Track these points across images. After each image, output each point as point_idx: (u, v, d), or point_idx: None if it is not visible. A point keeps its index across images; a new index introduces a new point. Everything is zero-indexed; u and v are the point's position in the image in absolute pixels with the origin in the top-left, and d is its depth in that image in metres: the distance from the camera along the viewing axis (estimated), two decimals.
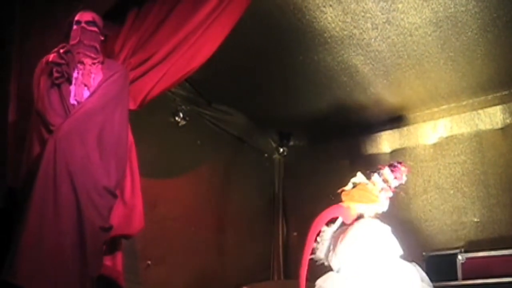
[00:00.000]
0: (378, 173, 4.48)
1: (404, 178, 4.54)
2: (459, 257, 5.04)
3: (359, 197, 4.37)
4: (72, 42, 3.54)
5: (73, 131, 3.23)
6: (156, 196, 4.92)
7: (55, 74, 3.45)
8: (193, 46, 3.61)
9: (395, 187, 4.48)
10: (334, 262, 4.15)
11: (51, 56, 3.51)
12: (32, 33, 4.07)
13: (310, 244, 4.30)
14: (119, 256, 3.48)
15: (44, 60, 3.53)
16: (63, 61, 3.50)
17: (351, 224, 4.30)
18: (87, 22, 3.61)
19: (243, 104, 6.17)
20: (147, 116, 4.43)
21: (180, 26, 3.61)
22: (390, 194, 4.45)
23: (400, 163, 4.60)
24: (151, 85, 3.60)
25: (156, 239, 4.92)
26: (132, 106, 3.63)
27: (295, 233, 6.67)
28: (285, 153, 6.98)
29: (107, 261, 3.40)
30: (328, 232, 4.37)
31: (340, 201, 4.43)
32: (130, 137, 3.57)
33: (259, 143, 6.83)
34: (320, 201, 6.10)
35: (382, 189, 4.43)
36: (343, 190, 4.45)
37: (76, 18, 3.61)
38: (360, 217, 4.35)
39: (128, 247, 3.90)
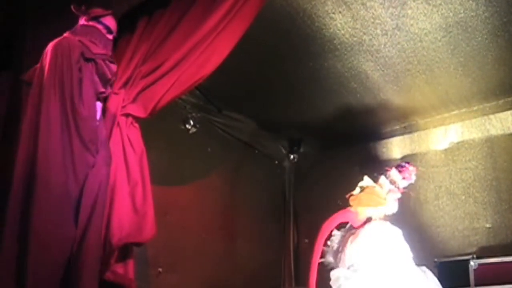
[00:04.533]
0: (385, 175, 4.48)
1: (413, 178, 4.53)
2: (471, 263, 5.01)
3: (366, 201, 4.38)
4: (106, 51, 3.49)
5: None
6: (167, 203, 4.92)
7: (102, 89, 3.43)
8: (204, 53, 3.62)
9: (404, 187, 4.48)
10: (343, 263, 4.16)
11: (99, 59, 3.40)
12: (44, 42, 4.09)
13: (318, 248, 4.31)
14: (130, 263, 3.48)
15: (79, 49, 3.33)
16: (112, 77, 3.49)
17: (361, 226, 4.31)
18: (114, 38, 3.60)
19: (253, 111, 6.18)
20: (157, 124, 4.44)
21: (190, 33, 3.62)
22: (398, 195, 4.45)
23: (407, 163, 4.61)
24: (161, 93, 3.60)
25: (167, 246, 4.93)
26: (143, 114, 3.64)
27: (306, 240, 6.65)
28: (295, 160, 6.97)
29: (119, 268, 3.39)
30: (338, 235, 4.38)
31: (348, 205, 4.44)
32: (141, 145, 3.58)
33: (270, 150, 6.83)
34: (330, 207, 6.12)
35: (389, 190, 4.43)
36: (351, 195, 4.46)
37: (108, 22, 3.54)
38: (369, 220, 4.35)
39: (139, 254, 3.90)
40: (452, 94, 5.64)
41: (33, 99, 3.25)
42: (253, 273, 6.07)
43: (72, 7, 3.50)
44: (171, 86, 3.63)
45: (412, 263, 4.11)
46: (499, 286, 4.78)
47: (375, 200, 4.38)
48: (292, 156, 6.97)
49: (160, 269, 4.95)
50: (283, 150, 6.97)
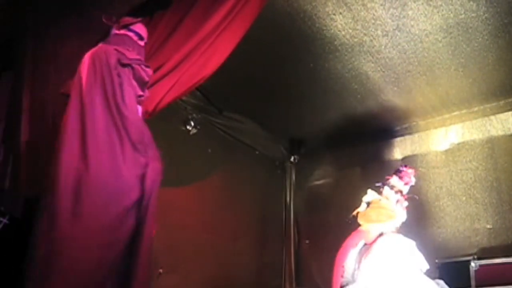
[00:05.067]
0: (388, 186, 4.44)
1: (413, 180, 4.51)
2: (472, 264, 5.00)
3: (377, 217, 4.33)
4: (140, 57, 3.49)
5: None
6: (167, 204, 4.91)
7: (140, 92, 3.42)
8: (204, 54, 3.62)
9: (407, 193, 4.46)
10: (359, 279, 4.12)
11: (136, 65, 3.39)
12: (45, 44, 4.09)
13: (338, 275, 4.24)
14: None
15: (115, 56, 3.33)
16: (149, 80, 3.48)
17: (374, 241, 4.26)
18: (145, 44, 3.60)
19: (254, 112, 6.18)
20: (158, 125, 4.42)
21: (191, 34, 3.61)
22: (406, 203, 4.41)
23: (405, 166, 4.58)
24: (162, 93, 3.60)
25: (168, 247, 4.92)
26: (144, 115, 3.65)
27: (306, 241, 6.66)
28: (296, 161, 6.98)
29: None
30: (352, 253, 4.33)
31: (357, 224, 4.40)
32: None
33: (271, 151, 6.83)
34: (331, 208, 6.14)
35: (397, 201, 4.39)
36: (358, 213, 4.41)
37: (138, 30, 3.56)
38: (381, 234, 4.31)
39: None
40: (453, 95, 5.64)
41: (74, 108, 3.20)
42: (254, 274, 6.07)
43: (103, 18, 3.52)
44: (171, 87, 3.63)
45: (423, 276, 4.08)
46: (500, 287, 4.77)
47: (385, 214, 4.33)
48: (293, 157, 6.98)
49: (160, 270, 4.94)
50: (284, 151, 6.97)
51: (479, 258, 5.07)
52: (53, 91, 3.84)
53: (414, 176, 4.56)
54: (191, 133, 5.57)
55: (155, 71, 3.62)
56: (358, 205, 4.60)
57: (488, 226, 5.49)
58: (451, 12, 4.43)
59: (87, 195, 3.01)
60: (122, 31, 3.52)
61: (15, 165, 3.81)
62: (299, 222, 6.80)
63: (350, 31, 4.71)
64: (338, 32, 4.73)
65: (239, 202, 6.11)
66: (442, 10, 4.42)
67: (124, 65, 3.36)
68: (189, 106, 5.56)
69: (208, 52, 3.64)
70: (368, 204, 4.46)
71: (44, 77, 3.96)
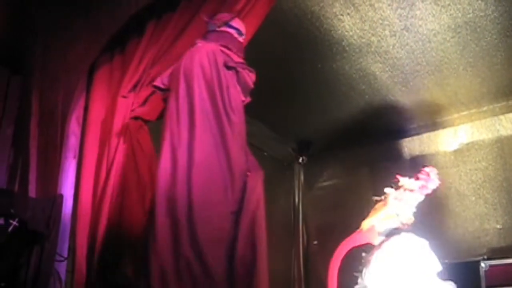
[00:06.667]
0: (394, 186, 4.43)
1: (431, 180, 4.48)
2: (482, 264, 4.97)
3: (372, 213, 4.34)
4: (242, 57, 3.42)
5: None
6: None
7: (243, 98, 3.39)
8: None
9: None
10: (369, 280, 4.10)
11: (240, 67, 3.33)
12: (53, 46, 4.11)
13: (333, 275, 4.21)
14: None
15: (222, 57, 3.26)
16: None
17: (384, 240, 4.24)
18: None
19: (261, 113, 6.15)
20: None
21: (199, 36, 3.61)
22: (411, 196, 4.39)
23: (424, 166, 4.56)
24: None
25: None
26: (152, 118, 3.65)
27: (315, 242, 6.65)
28: (304, 162, 6.97)
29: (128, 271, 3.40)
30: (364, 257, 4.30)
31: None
32: (151, 147, 3.59)
33: (278, 152, 6.82)
34: (340, 209, 6.12)
35: (394, 198, 4.38)
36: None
37: (237, 25, 3.46)
38: (390, 233, 4.28)
39: None
40: (462, 94, 5.61)
41: (181, 106, 3.12)
42: None
43: (201, 15, 3.47)
44: None
45: (435, 278, 4.06)
46: (511, 287, 4.75)
47: (377, 209, 4.34)
48: (301, 158, 6.96)
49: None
50: (292, 152, 6.95)
51: (489, 259, 5.05)
52: (62, 93, 3.86)
53: (434, 175, 4.50)
54: None
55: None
56: (367, 206, 4.59)
57: (498, 226, 5.47)
58: (459, 12, 4.42)
59: (194, 200, 2.87)
60: (223, 28, 3.42)
61: (25, 168, 3.82)
62: (307, 223, 6.79)
63: (358, 31, 4.71)
64: (346, 33, 4.73)
65: None
66: (450, 10, 4.40)
67: (229, 68, 3.28)
68: None
69: None
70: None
71: (53, 79, 3.98)
